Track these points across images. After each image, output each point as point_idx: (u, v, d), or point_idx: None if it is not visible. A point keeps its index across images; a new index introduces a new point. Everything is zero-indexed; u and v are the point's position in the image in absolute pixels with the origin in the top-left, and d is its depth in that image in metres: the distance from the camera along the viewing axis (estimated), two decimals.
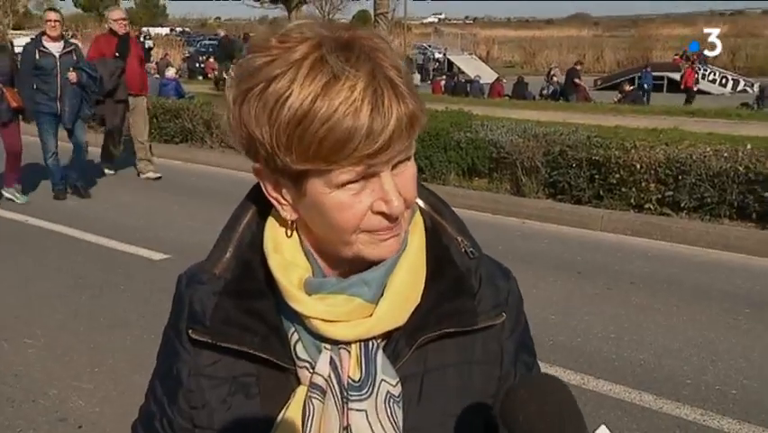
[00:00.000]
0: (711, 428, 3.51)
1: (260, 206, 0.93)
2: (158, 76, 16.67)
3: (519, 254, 6.04)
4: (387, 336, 0.89)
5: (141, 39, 29.34)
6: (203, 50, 34.70)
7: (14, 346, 4.34)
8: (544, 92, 25.71)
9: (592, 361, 4.18)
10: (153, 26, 45.16)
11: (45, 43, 7.58)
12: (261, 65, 0.79)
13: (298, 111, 0.76)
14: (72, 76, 7.56)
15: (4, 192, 7.82)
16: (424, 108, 0.81)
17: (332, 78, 0.76)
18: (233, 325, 0.89)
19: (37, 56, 7.51)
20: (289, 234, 0.90)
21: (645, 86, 26.12)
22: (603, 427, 0.73)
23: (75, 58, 7.81)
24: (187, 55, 34.06)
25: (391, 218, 0.82)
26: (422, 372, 0.92)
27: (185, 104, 12.32)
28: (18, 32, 40.98)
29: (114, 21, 8.73)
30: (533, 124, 9.07)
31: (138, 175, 9.38)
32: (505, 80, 26.64)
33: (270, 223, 0.91)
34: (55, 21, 7.61)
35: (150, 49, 30.08)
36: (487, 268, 0.97)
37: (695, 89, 25.87)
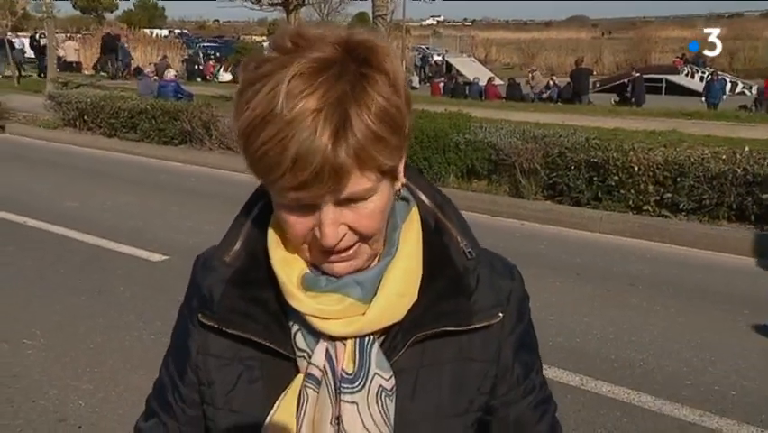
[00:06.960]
0: (710, 429, 3.51)
1: (268, 199, 0.93)
2: (156, 78, 16.61)
3: (518, 256, 5.97)
4: (386, 330, 0.91)
5: (37, 37, 25.91)
6: (202, 51, 34.64)
7: (13, 347, 4.34)
8: (543, 95, 25.68)
9: (591, 362, 4.19)
10: (152, 28, 45.02)
11: None
12: (257, 65, 0.80)
13: (246, 126, 0.78)
14: None
15: None
16: (376, 158, 0.78)
17: (275, 107, 0.75)
18: (237, 312, 0.93)
19: None
20: None
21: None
22: None
23: None
24: (186, 57, 33.84)
25: (325, 249, 0.82)
26: (418, 366, 0.94)
27: (183, 105, 12.33)
28: (17, 33, 41.00)
29: None
30: (531, 127, 9.07)
31: None
32: (502, 81, 26.68)
33: (275, 217, 0.92)
34: None
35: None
36: (491, 265, 0.99)
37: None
